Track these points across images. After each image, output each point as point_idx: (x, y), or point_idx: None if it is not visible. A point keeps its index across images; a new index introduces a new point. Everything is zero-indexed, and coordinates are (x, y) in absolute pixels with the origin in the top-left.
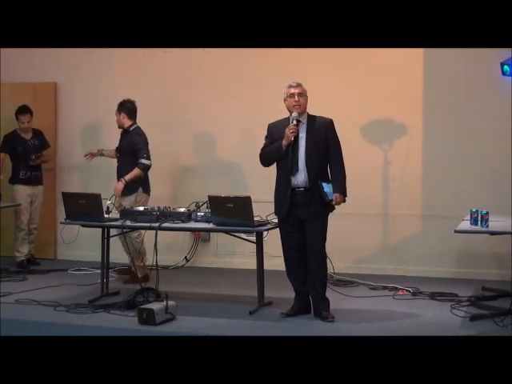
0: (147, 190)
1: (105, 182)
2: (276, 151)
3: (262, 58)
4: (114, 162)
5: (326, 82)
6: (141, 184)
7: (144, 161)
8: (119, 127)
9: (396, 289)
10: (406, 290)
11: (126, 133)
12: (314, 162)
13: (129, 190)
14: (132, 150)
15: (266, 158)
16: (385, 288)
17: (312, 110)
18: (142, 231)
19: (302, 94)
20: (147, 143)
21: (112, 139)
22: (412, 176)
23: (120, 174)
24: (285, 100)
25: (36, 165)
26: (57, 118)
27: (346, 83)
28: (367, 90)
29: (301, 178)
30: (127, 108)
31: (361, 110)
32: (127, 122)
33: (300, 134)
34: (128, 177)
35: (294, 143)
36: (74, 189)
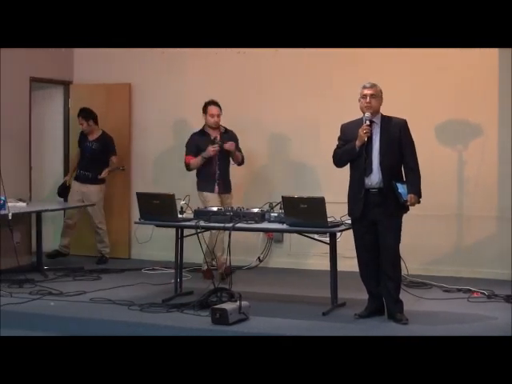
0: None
1: (178, 181)
2: (349, 152)
3: (336, 58)
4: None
5: (401, 83)
6: None
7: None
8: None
9: (470, 291)
10: (481, 293)
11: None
12: (388, 163)
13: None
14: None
15: (339, 159)
16: (459, 290)
17: (386, 110)
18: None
19: (375, 96)
20: None
21: (186, 139)
22: (487, 177)
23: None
24: (359, 100)
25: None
26: (131, 118)
27: (421, 84)
28: (442, 91)
29: (375, 178)
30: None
31: (435, 110)
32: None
33: (373, 135)
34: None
35: (368, 144)
36: (147, 189)
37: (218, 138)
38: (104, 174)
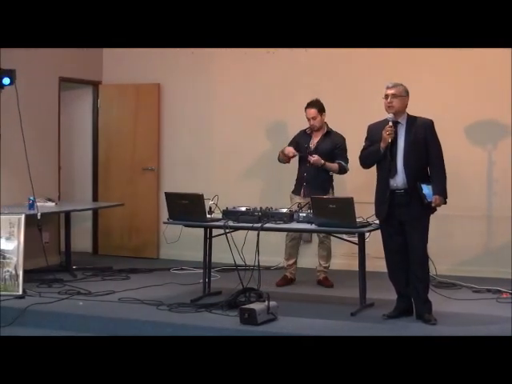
0: None
1: (207, 181)
2: (374, 153)
3: (365, 58)
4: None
5: (429, 83)
6: None
7: None
8: None
9: (499, 292)
10: (510, 294)
11: None
12: (413, 164)
13: None
14: None
15: (365, 160)
16: (488, 291)
17: (414, 110)
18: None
19: (396, 95)
20: None
21: (215, 140)
22: None
23: None
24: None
25: None
26: (160, 118)
27: (449, 84)
28: (470, 91)
29: (399, 179)
30: None
31: (464, 110)
32: None
33: (398, 136)
34: None
35: (393, 145)
36: (176, 189)
37: (312, 147)
38: None
